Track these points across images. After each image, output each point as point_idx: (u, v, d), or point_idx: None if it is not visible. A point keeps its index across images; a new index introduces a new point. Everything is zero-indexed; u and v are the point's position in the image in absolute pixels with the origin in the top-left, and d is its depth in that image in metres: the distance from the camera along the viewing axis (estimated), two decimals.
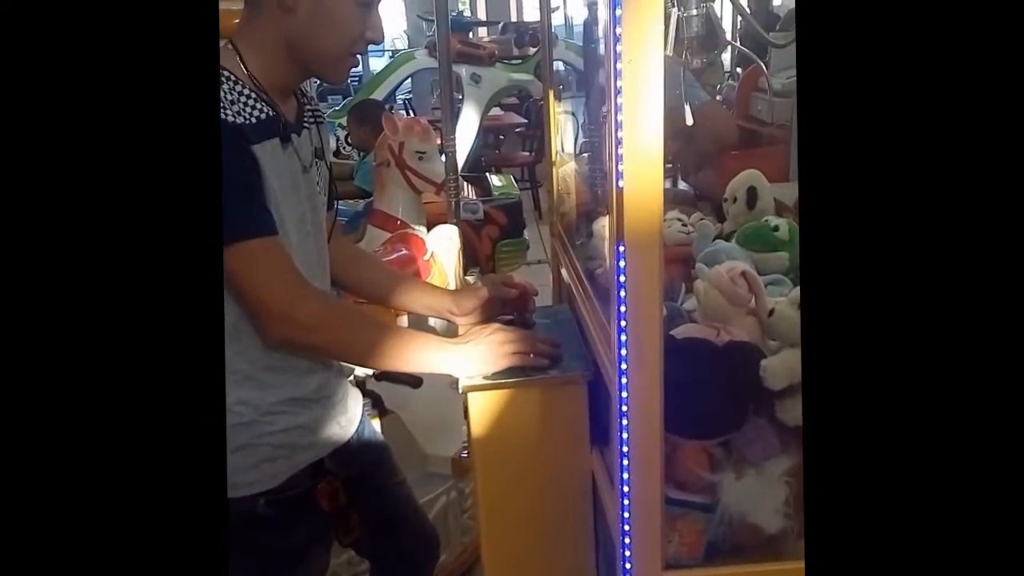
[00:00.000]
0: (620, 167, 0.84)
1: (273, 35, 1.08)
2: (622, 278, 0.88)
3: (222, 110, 1.01)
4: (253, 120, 1.05)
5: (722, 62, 3.20)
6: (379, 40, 1.13)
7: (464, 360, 1.16)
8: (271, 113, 1.08)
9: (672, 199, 1.91)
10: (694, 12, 1.53)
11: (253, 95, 1.07)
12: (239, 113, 1.04)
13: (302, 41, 1.08)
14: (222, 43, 1.10)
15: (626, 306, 0.89)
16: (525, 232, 3.08)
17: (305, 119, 1.18)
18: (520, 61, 5.24)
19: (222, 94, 1.03)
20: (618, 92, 0.81)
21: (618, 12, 0.78)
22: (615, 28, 0.79)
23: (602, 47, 1.17)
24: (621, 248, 0.87)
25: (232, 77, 1.06)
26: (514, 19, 7.88)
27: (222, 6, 1.64)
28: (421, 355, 1.16)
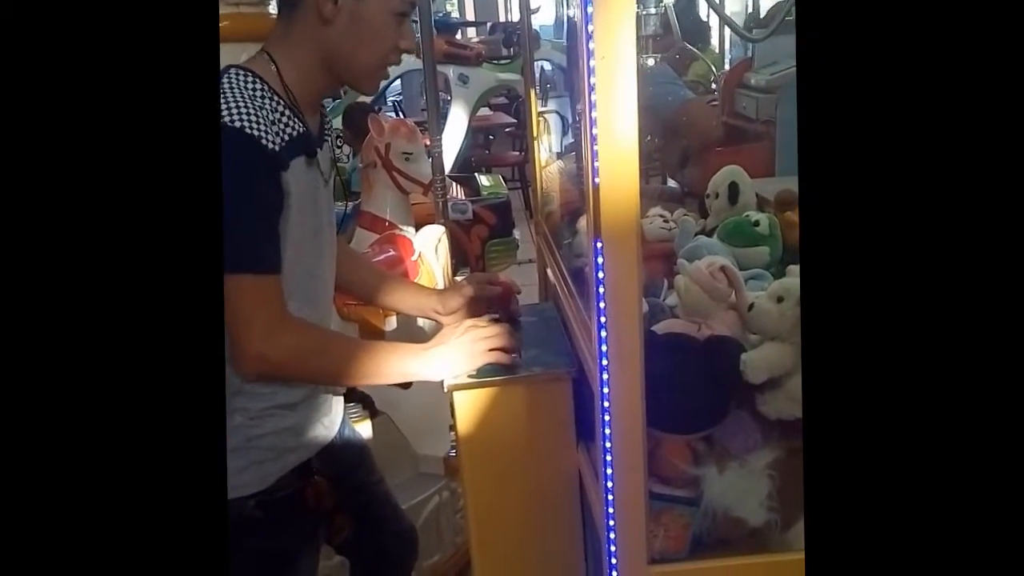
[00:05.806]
0: (596, 164, 0.84)
1: (310, 47, 1.09)
2: (600, 274, 0.89)
3: (262, 133, 1.01)
4: (287, 139, 1.05)
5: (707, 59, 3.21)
6: (411, 50, 1.14)
7: (441, 363, 1.17)
8: (302, 130, 1.09)
9: (659, 196, 1.92)
10: (652, 11, 1.55)
11: (288, 112, 1.07)
12: (278, 134, 1.04)
13: (339, 53, 1.09)
14: (256, 52, 1.10)
15: (605, 302, 0.89)
16: (515, 231, 3.08)
17: (325, 132, 1.20)
18: (508, 61, 5.23)
19: (261, 111, 1.03)
20: (592, 89, 0.82)
21: (589, 10, 0.79)
22: (587, 26, 0.80)
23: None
24: (599, 244, 0.87)
25: (270, 91, 1.06)
26: (503, 19, 7.88)
27: (241, 8, 1.64)
28: (399, 367, 1.17)
